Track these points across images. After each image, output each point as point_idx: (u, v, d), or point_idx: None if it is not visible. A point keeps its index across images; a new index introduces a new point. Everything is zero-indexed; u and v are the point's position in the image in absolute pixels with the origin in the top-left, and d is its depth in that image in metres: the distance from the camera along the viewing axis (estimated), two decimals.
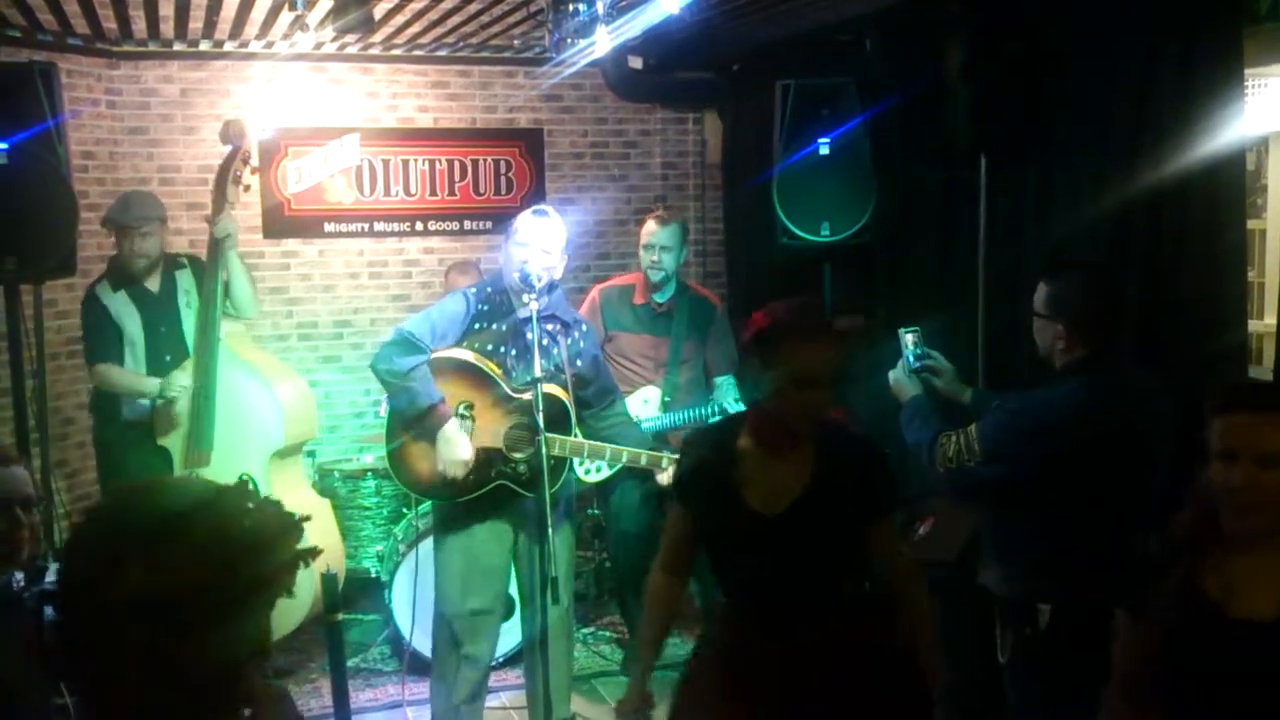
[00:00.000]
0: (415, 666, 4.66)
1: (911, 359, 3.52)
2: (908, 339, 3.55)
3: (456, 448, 3.76)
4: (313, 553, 1.39)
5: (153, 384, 4.55)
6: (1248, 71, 3.56)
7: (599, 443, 3.89)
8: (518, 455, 3.79)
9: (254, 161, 4.77)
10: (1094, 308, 3.04)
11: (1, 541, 2.37)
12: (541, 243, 3.80)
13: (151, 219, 4.70)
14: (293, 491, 4.82)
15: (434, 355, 3.82)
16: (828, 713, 2.54)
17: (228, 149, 4.64)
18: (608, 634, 5.48)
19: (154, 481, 1.57)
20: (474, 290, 4.00)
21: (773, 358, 2.58)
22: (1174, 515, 2.26)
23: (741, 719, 2.61)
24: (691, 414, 4.82)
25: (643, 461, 3.92)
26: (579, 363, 3.91)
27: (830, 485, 2.61)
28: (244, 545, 1.33)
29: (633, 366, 4.97)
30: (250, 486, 1.45)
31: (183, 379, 4.51)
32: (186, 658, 1.28)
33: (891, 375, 3.54)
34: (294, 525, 1.37)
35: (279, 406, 4.67)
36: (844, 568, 2.69)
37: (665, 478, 3.86)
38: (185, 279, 4.79)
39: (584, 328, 4.03)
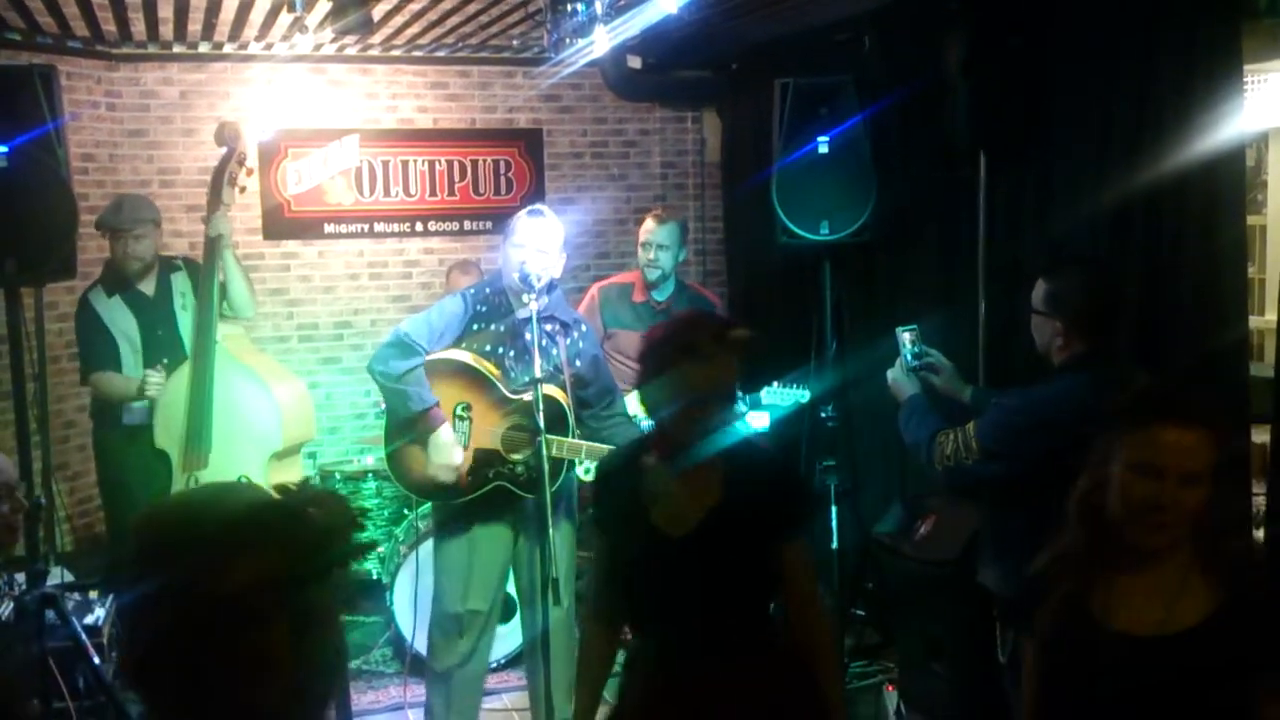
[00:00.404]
0: (417, 668, 4.66)
1: (909, 358, 3.52)
2: (905, 338, 3.55)
3: (446, 453, 3.77)
4: (371, 546, 1.41)
5: (133, 385, 4.55)
6: (1247, 67, 3.55)
7: (597, 443, 3.90)
8: (515, 456, 3.80)
9: (250, 163, 4.78)
10: (1092, 305, 3.05)
11: (9, 526, 2.50)
12: (539, 243, 3.80)
13: (145, 221, 4.69)
14: None
15: (432, 357, 3.82)
16: None
17: (223, 150, 4.65)
18: None
19: (217, 485, 1.59)
20: (472, 291, 4.00)
21: (663, 372, 2.48)
22: (1058, 530, 2.18)
23: None
24: None
25: None
26: (578, 363, 3.91)
27: (738, 505, 2.51)
28: (318, 538, 1.33)
29: (631, 364, 4.96)
30: (308, 483, 1.45)
31: (155, 376, 4.51)
32: (289, 654, 1.29)
33: (889, 374, 3.54)
34: (356, 518, 1.38)
35: (276, 408, 4.66)
36: (752, 591, 2.58)
37: None
38: (180, 281, 4.79)
39: (583, 328, 4.02)
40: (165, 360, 4.66)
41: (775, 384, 4.61)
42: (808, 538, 2.73)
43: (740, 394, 4.68)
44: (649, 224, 5.05)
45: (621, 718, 2.66)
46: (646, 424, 4.70)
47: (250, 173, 4.77)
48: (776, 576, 2.56)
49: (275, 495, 1.37)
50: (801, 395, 4.55)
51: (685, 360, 2.44)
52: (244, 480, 4.54)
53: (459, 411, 3.82)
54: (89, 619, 3.97)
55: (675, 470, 2.52)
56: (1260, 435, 3.75)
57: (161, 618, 1.27)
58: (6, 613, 3.78)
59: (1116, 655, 2.04)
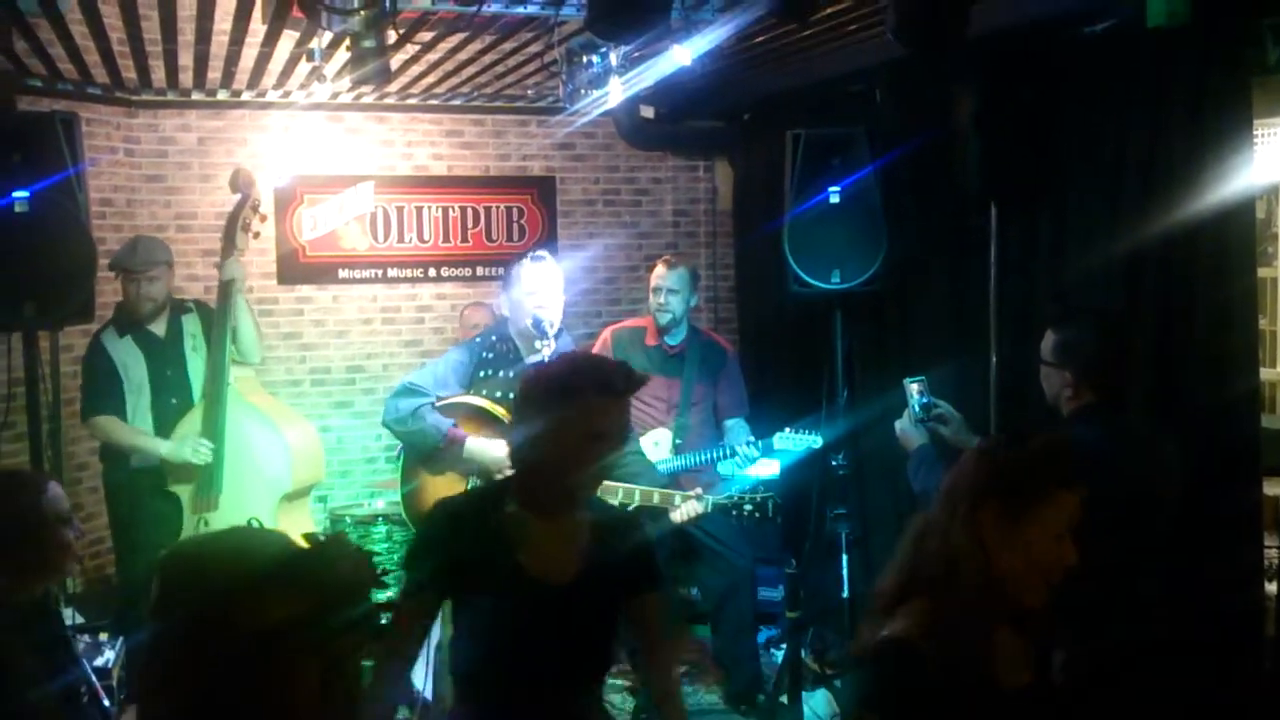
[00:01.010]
0: (425, 713, 4.62)
1: (917, 409, 3.52)
2: (913, 389, 3.56)
3: (492, 451, 3.76)
4: (389, 606, 1.43)
5: (164, 446, 4.54)
6: (1257, 121, 3.58)
7: (610, 482, 3.90)
8: None
9: (266, 208, 4.84)
10: (1101, 356, 3.05)
11: (73, 552, 2.68)
12: (548, 288, 3.84)
13: (158, 263, 4.74)
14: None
15: (445, 401, 3.85)
16: None
17: (237, 197, 4.71)
18: (618, 682, 5.44)
19: (245, 529, 1.63)
20: (478, 340, 4.04)
21: (566, 410, 2.31)
22: (910, 603, 2.04)
23: None
24: (703, 456, 4.82)
25: (655, 500, 3.92)
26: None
27: (608, 553, 2.42)
28: (346, 589, 1.36)
29: (644, 408, 4.98)
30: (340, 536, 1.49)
31: (193, 445, 4.49)
32: (315, 701, 1.30)
33: (898, 425, 3.55)
34: (380, 574, 1.39)
35: (287, 450, 4.67)
36: (614, 638, 2.52)
37: (678, 515, 3.87)
38: (191, 323, 4.83)
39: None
40: (174, 400, 4.69)
41: (787, 430, 4.62)
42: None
43: (753, 440, 4.72)
44: (659, 269, 5.11)
45: None
46: (664, 466, 4.74)
47: (264, 219, 4.83)
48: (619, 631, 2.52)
49: (303, 543, 1.39)
50: (814, 441, 4.56)
51: (593, 396, 2.32)
52: (255, 523, 4.55)
53: None
54: (99, 661, 3.96)
55: (546, 514, 2.40)
56: (1272, 488, 3.75)
57: (191, 651, 1.28)
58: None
59: (1011, 708, 2.04)
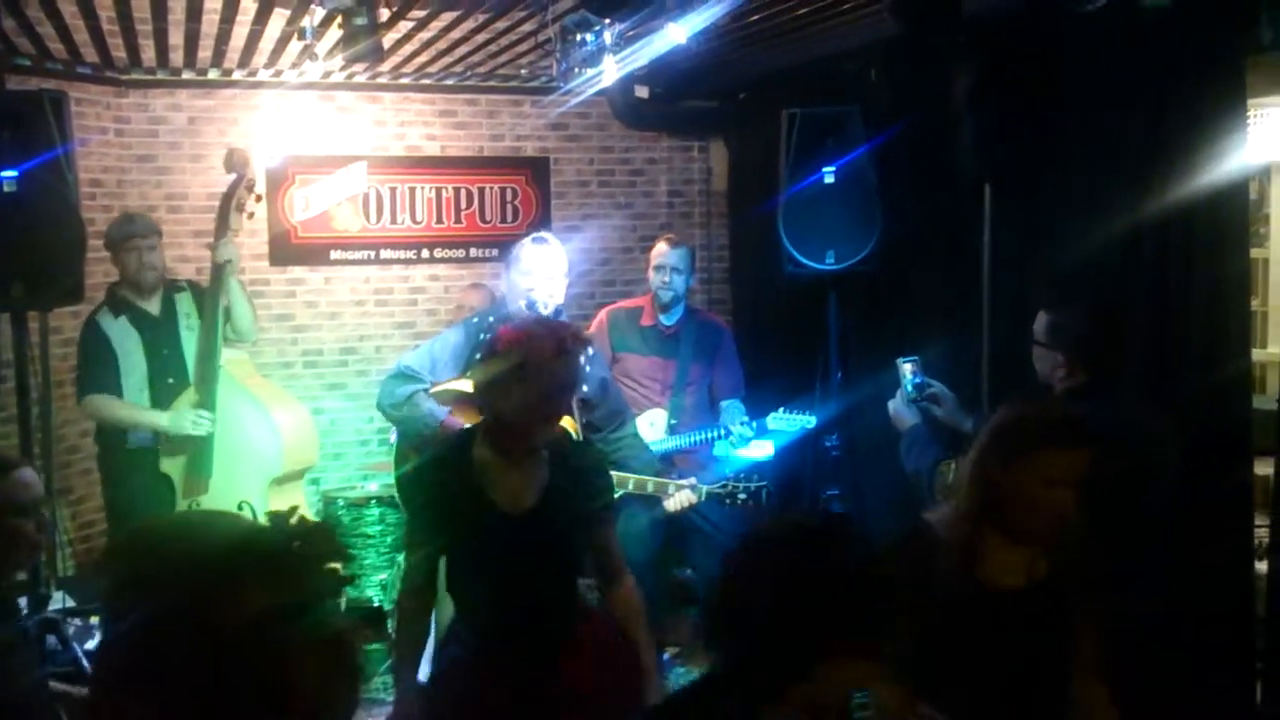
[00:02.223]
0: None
1: (910, 389, 3.52)
2: (906, 369, 3.55)
3: None
4: (349, 580, 1.40)
5: (164, 418, 4.56)
6: (1249, 101, 3.57)
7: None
8: None
9: (258, 189, 4.82)
10: (1094, 336, 3.06)
11: (33, 544, 2.46)
12: (546, 270, 3.82)
13: (155, 231, 4.77)
14: None
15: (437, 388, 3.84)
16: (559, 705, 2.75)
17: (232, 177, 4.69)
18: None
19: (204, 512, 1.58)
20: (475, 321, 4.02)
21: (521, 370, 2.68)
22: (947, 521, 2.44)
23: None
24: (698, 436, 4.82)
25: (649, 488, 3.92)
26: (585, 386, 3.91)
27: (565, 483, 2.82)
28: (304, 568, 1.33)
29: (639, 388, 4.98)
30: (292, 515, 1.45)
31: (205, 417, 4.51)
32: (306, 684, 1.28)
33: (890, 405, 3.54)
34: (342, 550, 1.36)
35: (277, 434, 4.66)
36: (576, 562, 2.92)
37: (672, 504, 3.87)
38: (185, 302, 4.82)
39: (590, 351, 4.03)
40: (170, 380, 4.68)
41: (781, 410, 4.61)
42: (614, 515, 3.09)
43: (747, 421, 4.71)
44: (662, 246, 5.10)
45: (442, 690, 2.90)
46: (659, 446, 4.73)
47: (259, 199, 4.82)
48: (587, 550, 2.92)
49: (262, 523, 1.36)
50: (808, 421, 4.55)
51: (549, 357, 2.69)
52: (246, 507, 4.55)
53: None
54: (90, 644, 3.96)
55: (512, 459, 2.78)
56: (1263, 468, 3.75)
57: (174, 646, 1.24)
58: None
59: (993, 607, 2.37)
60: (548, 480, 2.80)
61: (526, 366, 2.68)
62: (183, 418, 4.48)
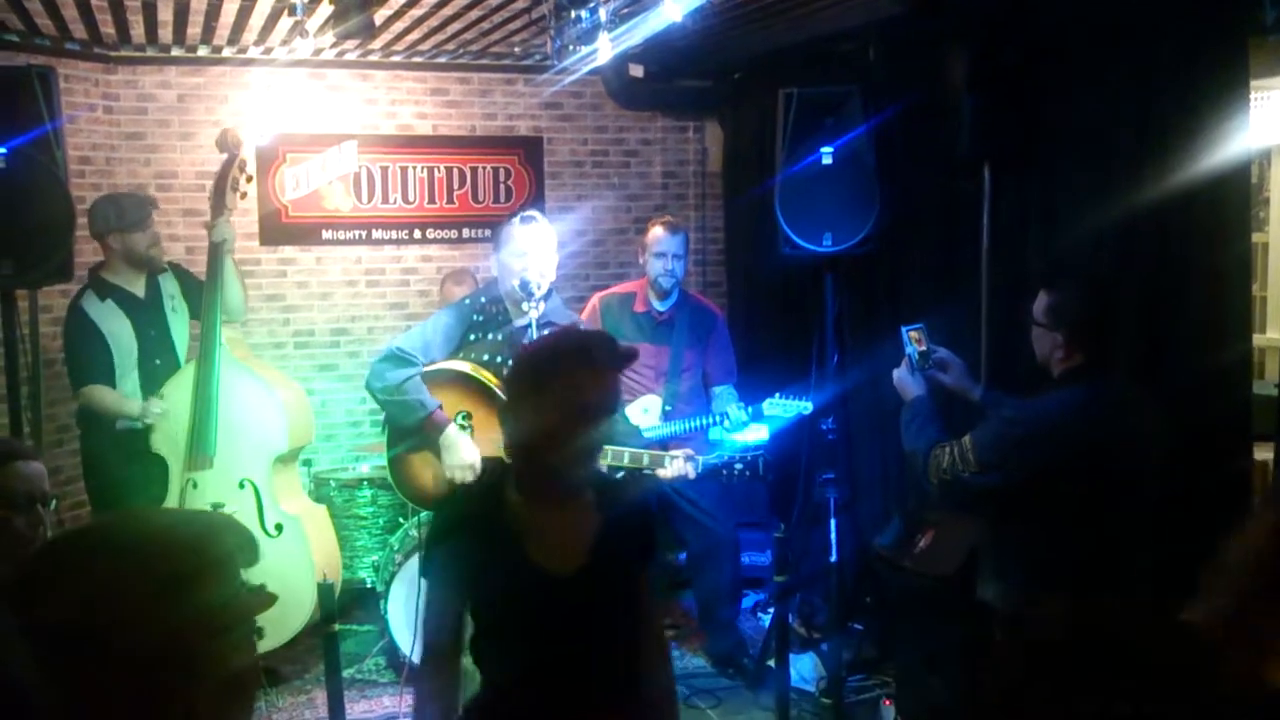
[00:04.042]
0: (411, 678, 4.62)
1: (915, 356, 3.47)
2: (910, 336, 3.50)
3: (460, 451, 3.73)
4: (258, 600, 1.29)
5: (134, 406, 4.55)
6: (1251, 84, 3.54)
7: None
8: None
9: (250, 169, 4.79)
10: (1092, 318, 3.05)
11: (23, 541, 2.28)
12: (538, 249, 3.79)
13: (149, 210, 4.74)
14: (293, 498, 4.81)
15: (430, 368, 3.81)
16: None
17: (224, 157, 4.65)
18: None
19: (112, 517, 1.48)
20: (468, 302, 3.99)
21: (551, 385, 2.22)
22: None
23: None
24: (693, 422, 4.80)
25: (645, 461, 3.89)
26: None
27: (619, 533, 2.33)
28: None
29: (633, 375, 4.95)
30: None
31: (156, 406, 4.51)
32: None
33: (895, 374, 3.50)
34: (241, 551, 1.27)
35: (282, 411, 4.65)
36: (629, 629, 2.38)
37: (668, 472, 3.85)
38: (170, 284, 4.80)
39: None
40: (158, 361, 4.66)
41: (777, 395, 4.59)
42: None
43: (743, 405, 4.69)
44: (661, 232, 5.01)
45: None
46: (654, 433, 4.71)
47: (251, 179, 4.79)
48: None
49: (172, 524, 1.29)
50: (804, 407, 4.53)
51: (579, 369, 2.23)
52: (247, 484, 4.54)
53: (460, 420, 3.80)
54: None
55: (549, 501, 2.29)
56: (1262, 453, 3.74)
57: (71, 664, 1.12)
58: None
59: None
60: (600, 531, 2.31)
61: (543, 376, 2.25)
62: (146, 408, 4.52)
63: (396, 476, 3.91)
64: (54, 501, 2.39)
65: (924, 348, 3.49)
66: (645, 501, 2.59)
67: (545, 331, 3.82)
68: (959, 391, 3.52)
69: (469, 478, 3.73)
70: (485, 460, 3.81)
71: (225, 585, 1.23)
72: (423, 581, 2.39)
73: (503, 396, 3.76)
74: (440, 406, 3.77)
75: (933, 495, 3.38)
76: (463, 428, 3.80)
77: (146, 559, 1.20)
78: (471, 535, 2.30)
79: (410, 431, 3.80)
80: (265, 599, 1.27)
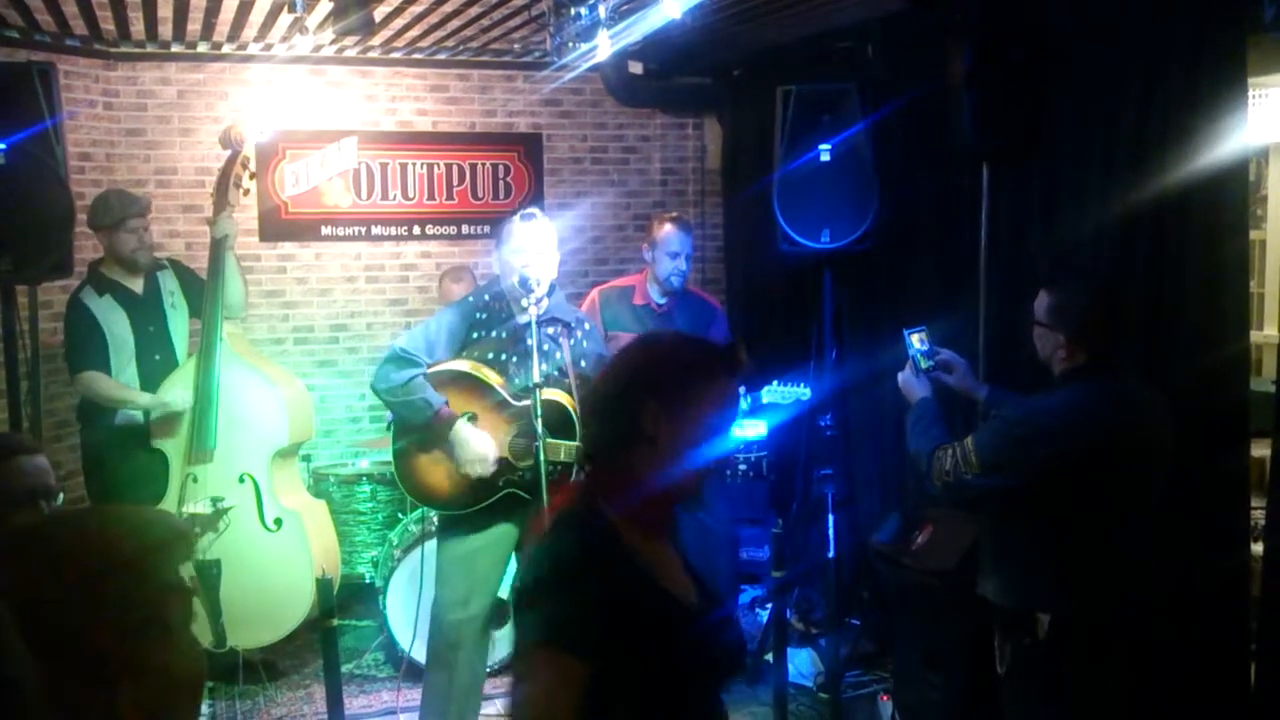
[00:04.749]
0: (411, 673, 4.63)
1: (919, 359, 3.47)
2: (913, 339, 3.50)
3: (473, 445, 3.73)
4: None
5: (145, 398, 4.55)
6: (1249, 80, 3.54)
7: None
8: (524, 463, 3.74)
9: (252, 166, 4.80)
10: (1094, 317, 3.03)
11: None
12: (538, 246, 3.79)
13: (148, 210, 4.76)
14: (293, 492, 4.82)
15: (433, 368, 3.81)
16: None
17: (227, 153, 4.66)
18: None
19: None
20: (470, 300, 3.98)
21: (691, 391, 1.90)
22: None
23: None
24: None
25: None
26: (583, 364, 3.88)
27: (694, 558, 2.10)
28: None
29: None
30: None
31: (176, 395, 4.51)
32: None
33: (900, 376, 3.50)
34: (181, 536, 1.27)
35: (284, 405, 4.67)
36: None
37: None
38: (169, 280, 4.81)
39: (587, 326, 4.00)
40: (157, 357, 4.67)
41: (775, 383, 4.58)
42: None
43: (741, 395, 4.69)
44: (672, 229, 4.91)
45: None
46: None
47: (253, 176, 4.80)
48: None
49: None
50: (802, 393, 4.52)
51: (726, 377, 1.94)
52: (247, 479, 4.55)
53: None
54: None
55: (652, 531, 1.97)
56: (1260, 449, 3.74)
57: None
58: None
59: None
60: (683, 559, 2.05)
61: (698, 387, 1.90)
62: (159, 400, 4.52)
63: (401, 472, 3.90)
64: (60, 496, 2.35)
65: (927, 349, 3.49)
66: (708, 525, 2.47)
67: (549, 329, 3.81)
68: (964, 392, 3.53)
69: (486, 471, 3.73)
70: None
71: (142, 583, 1.19)
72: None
73: (505, 397, 3.79)
74: (446, 403, 3.78)
75: (937, 497, 3.37)
76: None
77: (58, 557, 1.18)
78: (610, 590, 1.84)
79: (418, 430, 3.81)
80: (183, 598, 1.23)
